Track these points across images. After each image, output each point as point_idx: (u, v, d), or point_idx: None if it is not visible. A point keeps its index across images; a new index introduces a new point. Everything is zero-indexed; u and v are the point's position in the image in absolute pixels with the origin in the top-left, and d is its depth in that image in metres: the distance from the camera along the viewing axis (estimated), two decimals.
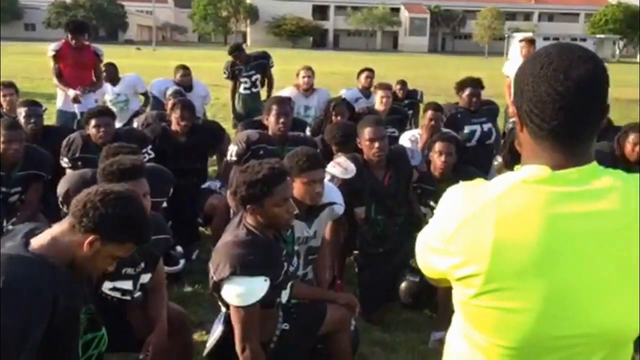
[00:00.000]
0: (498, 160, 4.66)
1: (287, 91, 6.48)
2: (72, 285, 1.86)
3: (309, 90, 6.58)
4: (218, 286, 2.41)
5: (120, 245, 1.91)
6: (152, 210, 2.75)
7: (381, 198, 3.79)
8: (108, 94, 6.84)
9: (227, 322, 2.54)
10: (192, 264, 4.43)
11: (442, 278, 1.22)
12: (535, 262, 1.07)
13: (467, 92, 5.23)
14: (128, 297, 2.67)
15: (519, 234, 1.07)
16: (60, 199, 3.40)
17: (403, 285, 3.76)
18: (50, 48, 6.17)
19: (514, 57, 7.92)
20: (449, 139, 4.01)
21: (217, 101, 11.98)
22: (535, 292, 1.08)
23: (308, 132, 5.10)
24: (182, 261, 4.22)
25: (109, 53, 8.29)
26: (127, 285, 2.64)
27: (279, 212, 2.47)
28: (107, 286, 2.61)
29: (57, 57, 6.12)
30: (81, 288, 2.00)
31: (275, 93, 6.22)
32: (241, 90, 7.57)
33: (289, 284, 2.68)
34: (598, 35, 58.69)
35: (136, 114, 6.55)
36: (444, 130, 4.74)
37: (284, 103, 4.29)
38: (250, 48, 11.83)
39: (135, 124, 5.34)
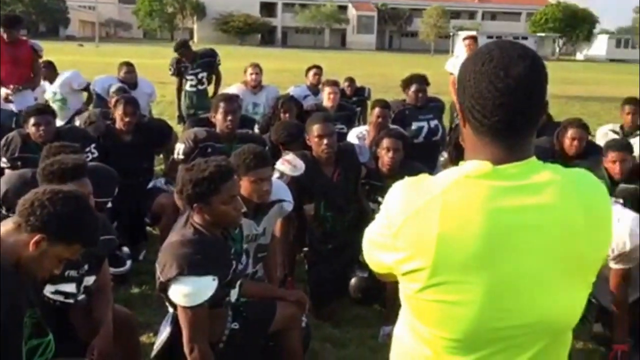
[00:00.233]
0: (444, 155, 4.76)
1: (235, 88, 6.42)
2: (17, 286, 1.80)
3: (257, 87, 6.55)
4: (165, 287, 2.37)
5: (68, 246, 1.85)
6: (97, 211, 2.68)
7: (330, 195, 3.81)
8: (47, 92, 6.62)
9: (175, 323, 2.50)
10: (140, 264, 4.34)
11: (388, 273, 1.23)
12: (477, 256, 1.09)
13: (413, 88, 5.32)
14: (71, 301, 2.59)
15: (462, 229, 1.09)
16: None
17: (352, 281, 3.80)
18: None
19: (460, 55, 8.09)
20: (396, 136, 4.06)
21: (164, 99, 11.77)
22: (478, 285, 1.10)
23: (256, 129, 5.07)
24: (128, 262, 4.13)
25: (50, 49, 8.03)
26: (70, 288, 2.56)
27: (227, 210, 2.44)
28: (49, 290, 2.52)
29: None
30: (26, 290, 1.93)
31: (223, 90, 6.16)
32: (187, 87, 7.46)
33: (238, 283, 2.66)
34: (539, 34, 60.49)
35: (78, 112, 6.35)
36: (392, 126, 4.80)
37: (232, 100, 4.25)
38: (197, 45, 11.68)
39: (77, 122, 5.19)
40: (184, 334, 2.37)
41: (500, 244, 1.09)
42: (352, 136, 4.91)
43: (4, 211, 3.11)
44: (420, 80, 5.36)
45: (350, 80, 7.34)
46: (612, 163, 3.87)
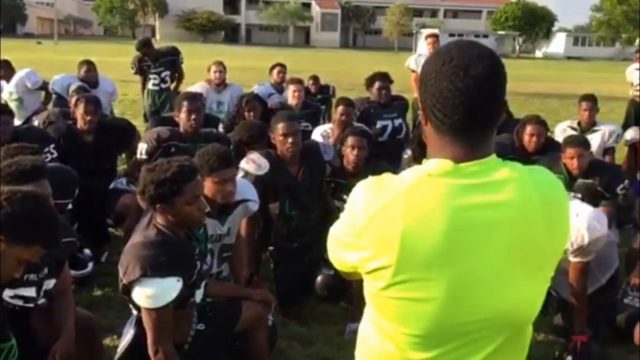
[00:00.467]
0: (407, 153, 4.80)
1: (198, 87, 6.36)
2: None
3: (221, 85, 6.51)
4: (128, 289, 2.34)
5: (27, 248, 1.81)
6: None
7: (295, 193, 3.81)
8: (3, 92, 6.45)
9: (139, 325, 2.47)
10: (102, 266, 4.27)
11: (353, 272, 1.24)
12: (439, 253, 1.11)
13: (376, 85, 5.36)
14: (31, 305, 2.53)
15: (425, 227, 1.11)
16: None
17: (318, 278, 3.81)
18: None
19: (423, 53, 8.19)
20: (361, 133, 4.08)
21: (126, 97, 11.60)
22: (440, 281, 1.12)
23: (221, 128, 5.04)
24: (90, 264, 4.06)
25: (7, 47, 7.82)
26: (30, 292, 2.50)
27: (190, 210, 2.42)
28: (7, 294, 2.45)
29: None
30: None
31: (187, 88, 6.10)
32: (150, 86, 7.37)
33: (203, 283, 2.64)
34: (499, 32, 61.53)
35: (36, 111, 6.20)
36: (356, 124, 4.82)
37: (195, 99, 4.21)
38: (159, 42, 11.53)
39: (35, 122, 5.07)
40: (148, 336, 2.34)
41: (462, 240, 1.11)
42: (317, 134, 4.91)
43: None
44: (383, 78, 5.40)
45: (315, 79, 7.35)
46: (570, 159, 3.96)
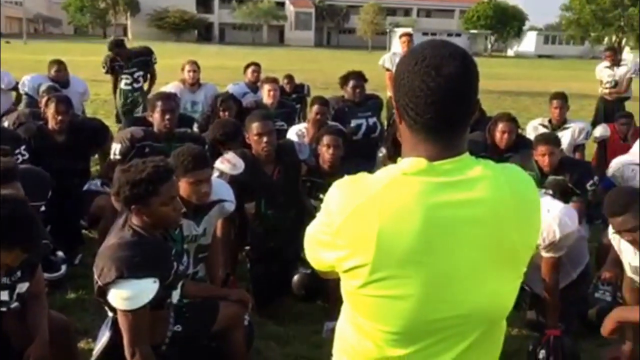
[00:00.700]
0: (382, 152, 4.83)
1: (172, 86, 6.31)
2: None
3: (195, 85, 6.47)
4: (104, 291, 2.32)
5: (8, 252, 1.78)
6: None
7: (271, 193, 3.81)
8: None
9: (115, 327, 2.45)
10: (75, 268, 4.22)
11: (330, 270, 1.25)
12: (415, 251, 1.12)
13: (350, 84, 5.39)
14: (4, 309, 2.49)
15: (401, 225, 1.12)
16: None
17: (295, 277, 3.82)
18: None
19: (398, 51, 8.26)
20: (336, 132, 4.09)
21: (97, 97, 11.46)
22: (416, 278, 1.13)
23: (195, 128, 5.01)
24: (63, 267, 4.00)
25: None
26: (3, 295, 2.46)
27: (166, 211, 2.40)
28: None
29: None
30: None
31: (160, 88, 6.05)
32: (122, 86, 7.28)
33: (180, 284, 2.63)
34: (472, 31, 62.15)
35: (6, 112, 6.09)
36: (331, 123, 4.83)
37: (169, 99, 4.18)
38: (131, 42, 11.40)
39: (5, 124, 4.98)
40: (124, 338, 2.33)
41: (437, 238, 1.13)
42: (292, 134, 4.92)
43: None
44: (357, 77, 5.43)
45: (289, 78, 7.35)
46: (541, 156, 4.03)
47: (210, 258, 3.31)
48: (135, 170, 2.36)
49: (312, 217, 1.30)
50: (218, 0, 70.08)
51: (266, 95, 5.87)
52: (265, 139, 3.71)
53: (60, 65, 6.42)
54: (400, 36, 8.09)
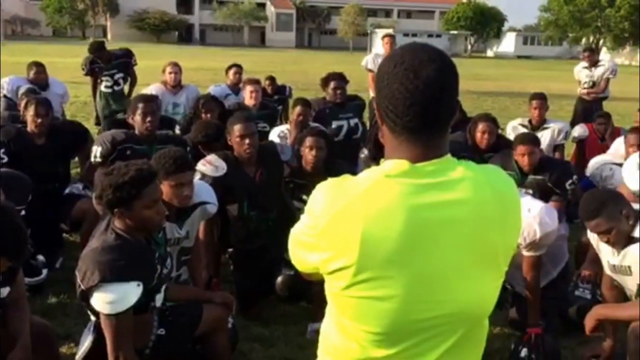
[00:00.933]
0: (365, 152, 4.85)
1: (153, 88, 6.27)
2: None
3: (177, 86, 6.43)
4: (86, 295, 2.30)
5: None
6: None
7: (253, 194, 3.80)
8: None
9: (98, 331, 2.43)
10: (56, 272, 4.18)
11: (314, 272, 1.26)
12: (398, 252, 1.14)
13: (331, 85, 5.41)
14: None
15: (384, 226, 1.13)
16: None
17: (279, 279, 3.82)
18: None
19: (381, 52, 8.31)
20: (319, 134, 4.09)
21: (77, 99, 11.35)
22: (400, 279, 1.15)
23: (178, 130, 4.99)
24: (44, 271, 3.96)
25: None
26: None
27: (150, 214, 2.39)
28: None
29: None
30: None
31: (142, 90, 6.00)
32: (103, 88, 7.23)
33: (163, 287, 2.62)
34: (452, 32, 62.55)
35: None
36: (313, 124, 4.84)
37: (150, 101, 4.15)
38: (111, 43, 11.30)
39: None
40: (108, 342, 2.31)
41: (420, 239, 1.14)
42: (274, 135, 4.92)
43: None
44: (339, 78, 5.45)
45: (271, 79, 7.35)
46: (521, 156, 4.06)
47: (193, 261, 3.30)
48: (118, 173, 2.35)
49: (295, 218, 1.31)
50: (198, 1, 69.72)
51: (248, 96, 5.86)
52: (247, 140, 3.71)
53: (39, 67, 6.36)
54: (383, 37, 8.17)
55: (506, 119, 7.08)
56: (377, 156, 4.29)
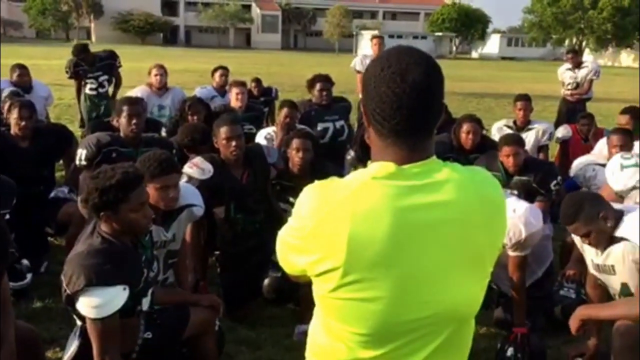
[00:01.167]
0: (351, 154, 4.86)
1: (139, 90, 6.24)
2: None
3: (163, 89, 6.41)
4: (72, 299, 2.28)
5: None
6: None
7: (240, 197, 3.79)
8: None
9: (84, 335, 2.41)
10: (41, 276, 4.14)
11: (302, 274, 1.26)
12: (385, 254, 1.14)
13: (317, 87, 5.43)
14: None
15: (371, 228, 1.14)
16: None
17: (266, 281, 3.81)
18: None
19: (369, 54, 8.35)
20: (306, 136, 4.10)
21: (61, 102, 11.26)
22: (386, 281, 1.15)
23: (164, 132, 4.97)
24: (29, 275, 3.92)
25: None
26: None
27: (136, 217, 2.38)
28: None
29: None
30: None
31: (127, 92, 5.97)
32: (87, 90, 7.18)
33: (150, 291, 2.61)
34: (437, 33, 62.85)
35: None
36: (299, 126, 4.84)
37: (136, 103, 4.13)
38: (95, 45, 11.24)
39: None
40: (94, 346, 2.30)
41: (406, 240, 1.15)
42: (260, 137, 4.91)
43: None
44: (324, 80, 5.47)
45: (257, 81, 7.34)
46: (506, 157, 4.09)
47: (179, 263, 3.28)
48: (104, 176, 2.33)
49: (282, 220, 1.31)
50: (183, 3, 69.46)
51: (234, 98, 5.86)
52: (234, 143, 3.70)
53: (22, 69, 6.30)
54: (372, 39, 8.25)
55: (491, 120, 7.13)
56: (363, 158, 4.30)
